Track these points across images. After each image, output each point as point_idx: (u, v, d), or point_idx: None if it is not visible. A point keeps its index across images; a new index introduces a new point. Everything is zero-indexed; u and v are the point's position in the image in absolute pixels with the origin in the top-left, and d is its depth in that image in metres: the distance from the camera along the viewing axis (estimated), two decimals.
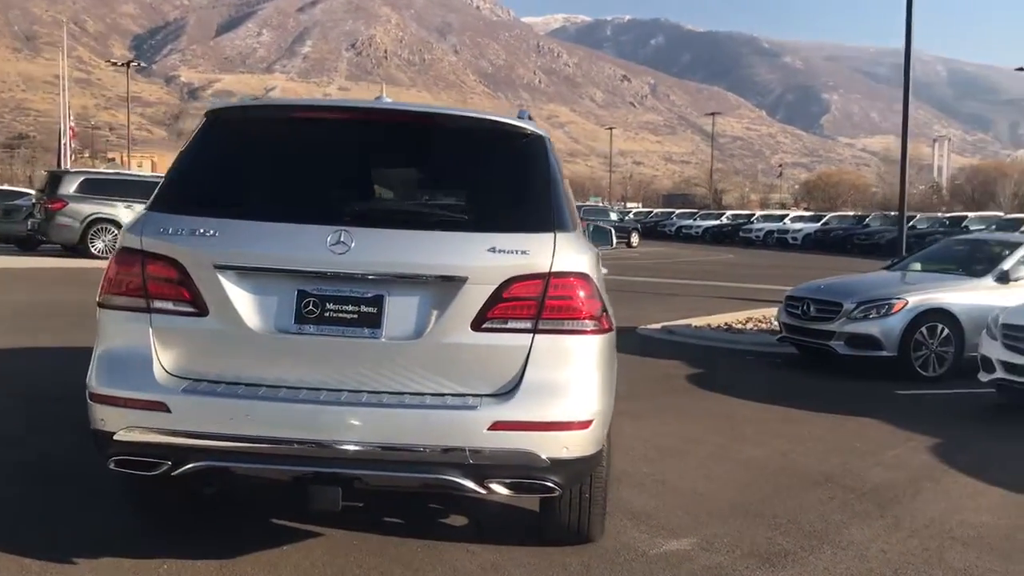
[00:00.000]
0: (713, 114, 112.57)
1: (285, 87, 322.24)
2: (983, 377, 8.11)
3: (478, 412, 3.49)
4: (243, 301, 3.59)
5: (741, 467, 6.02)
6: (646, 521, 4.79)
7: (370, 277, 3.58)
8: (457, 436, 3.47)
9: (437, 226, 3.73)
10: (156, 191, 3.92)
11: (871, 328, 9.50)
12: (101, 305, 3.74)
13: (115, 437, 3.53)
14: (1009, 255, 10.14)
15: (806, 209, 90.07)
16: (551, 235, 3.67)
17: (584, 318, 3.65)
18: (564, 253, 3.64)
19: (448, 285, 3.57)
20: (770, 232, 49.92)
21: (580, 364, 3.64)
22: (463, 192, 4.13)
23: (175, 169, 3.96)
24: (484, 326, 3.57)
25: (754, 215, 59.58)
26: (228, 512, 4.75)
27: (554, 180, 3.89)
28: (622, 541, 4.47)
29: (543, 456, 3.49)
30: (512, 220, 3.72)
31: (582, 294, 3.65)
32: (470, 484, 3.51)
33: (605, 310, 3.77)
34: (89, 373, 3.68)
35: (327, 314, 3.57)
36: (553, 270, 3.60)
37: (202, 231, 3.61)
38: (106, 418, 3.57)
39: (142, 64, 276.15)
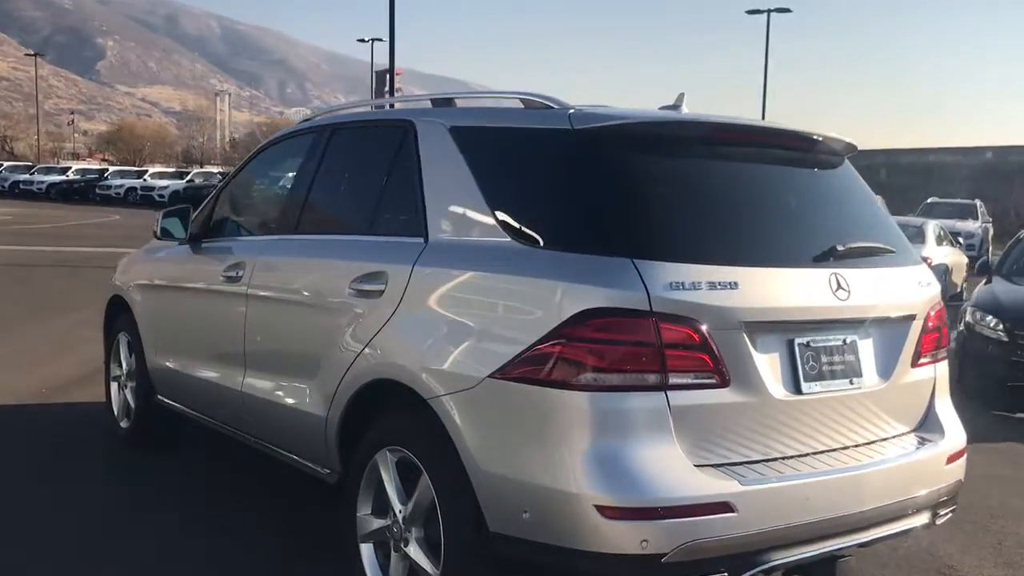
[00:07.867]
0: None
1: None
2: None
3: (939, 448, 3.40)
4: (761, 362, 3.01)
5: None
6: None
7: (854, 322, 3.28)
8: (935, 477, 3.39)
9: (887, 262, 3.44)
10: (565, 228, 3.06)
11: None
12: (552, 385, 2.82)
13: (665, 559, 2.74)
14: None
15: (105, 160, 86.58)
16: (922, 262, 3.71)
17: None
18: (934, 276, 3.68)
19: (905, 323, 3.43)
20: (132, 188, 46.75)
21: (948, 385, 3.67)
22: (855, 220, 3.64)
23: (587, 199, 3.07)
24: (920, 361, 3.48)
25: (107, 170, 55.44)
26: None
27: None
28: None
29: (961, 480, 3.53)
30: (899, 247, 3.56)
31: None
32: (930, 522, 3.41)
33: None
34: (573, 480, 2.78)
35: (823, 368, 3.17)
36: (940, 297, 3.63)
37: (721, 282, 2.92)
38: (651, 537, 2.74)
39: None
